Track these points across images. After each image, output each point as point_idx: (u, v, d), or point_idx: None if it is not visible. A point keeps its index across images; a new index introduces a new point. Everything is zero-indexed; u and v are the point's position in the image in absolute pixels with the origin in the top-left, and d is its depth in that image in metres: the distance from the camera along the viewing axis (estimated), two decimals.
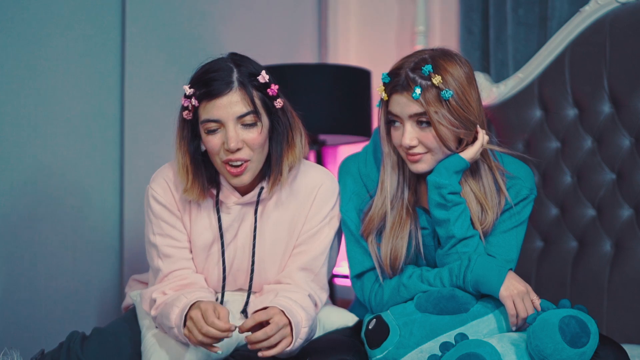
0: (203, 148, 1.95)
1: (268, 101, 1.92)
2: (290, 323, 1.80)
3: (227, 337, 1.77)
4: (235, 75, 1.88)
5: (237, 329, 1.78)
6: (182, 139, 1.94)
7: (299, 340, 1.83)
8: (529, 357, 1.73)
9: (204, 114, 1.88)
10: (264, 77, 1.90)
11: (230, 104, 1.86)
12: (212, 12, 3.01)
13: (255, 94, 1.89)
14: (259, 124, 1.89)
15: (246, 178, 1.92)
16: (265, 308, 1.82)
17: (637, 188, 2.41)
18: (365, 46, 3.33)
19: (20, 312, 2.55)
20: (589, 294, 2.43)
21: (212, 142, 1.89)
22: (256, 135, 1.89)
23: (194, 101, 1.88)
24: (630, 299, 2.36)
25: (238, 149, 1.88)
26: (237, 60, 1.92)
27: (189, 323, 1.79)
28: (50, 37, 2.62)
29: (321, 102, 2.86)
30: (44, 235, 2.61)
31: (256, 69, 1.92)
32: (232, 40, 3.04)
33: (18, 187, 2.55)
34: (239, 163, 1.89)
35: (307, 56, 3.33)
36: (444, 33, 3.09)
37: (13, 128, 2.54)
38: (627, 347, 1.87)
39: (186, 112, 1.91)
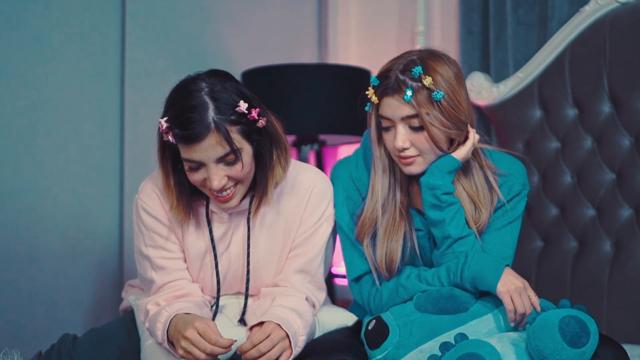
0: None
1: (248, 129, 1.84)
2: (287, 335, 1.81)
3: (229, 351, 1.78)
4: (211, 115, 1.77)
5: (237, 350, 1.79)
6: (164, 158, 1.87)
7: (297, 348, 1.83)
8: (528, 357, 1.73)
9: (183, 153, 1.81)
10: (242, 107, 1.80)
11: (209, 147, 1.78)
12: (213, 12, 3.01)
13: (233, 129, 1.80)
14: (239, 159, 1.82)
15: (234, 202, 1.88)
16: (261, 323, 1.82)
17: (637, 188, 2.41)
18: (365, 46, 3.33)
19: (20, 313, 2.55)
20: (589, 294, 2.43)
21: (195, 177, 1.84)
22: (239, 170, 1.83)
23: (171, 138, 1.80)
24: (630, 299, 2.36)
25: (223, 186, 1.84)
26: (215, 90, 1.81)
27: (184, 343, 1.76)
28: (50, 36, 2.62)
29: (321, 102, 2.86)
30: (43, 236, 2.61)
31: (234, 98, 1.81)
32: (232, 40, 3.04)
33: (17, 187, 2.55)
34: (226, 193, 1.86)
35: (307, 56, 3.33)
36: (444, 33, 3.09)
37: (13, 128, 2.54)
38: (627, 347, 1.86)
39: (165, 135, 1.83)
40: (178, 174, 1.88)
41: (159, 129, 1.84)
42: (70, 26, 2.67)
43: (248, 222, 1.96)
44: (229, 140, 1.78)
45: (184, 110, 1.78)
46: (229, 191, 1.86)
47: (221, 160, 1.81)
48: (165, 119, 1.81)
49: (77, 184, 2.69)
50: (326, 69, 2.99)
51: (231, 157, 1.81)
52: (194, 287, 1.99)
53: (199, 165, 1.82)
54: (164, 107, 1.84)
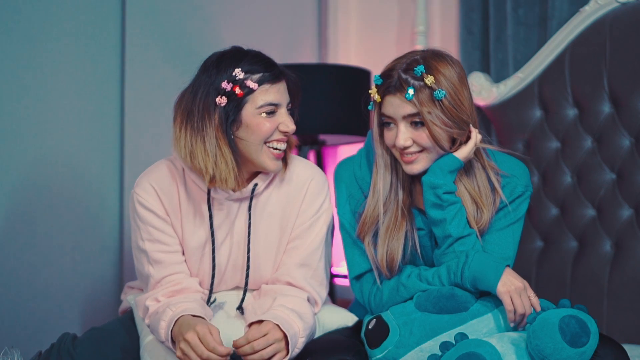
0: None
1: None
2: (285, 336, 1.81)
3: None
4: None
5: (232, 347, 1.80)
6: (215, 129, 1.88)
7: (295, 350, 1.84)
8: (528, 356, 1.73)
9: (264, 98, 1.90)
10: None
11: (285, 91, 1.95)
12: (213, 13, 3.01)
13: None
14: (296, 109, 2.01)
15: (281, 164, 1.97)
16: (260, 322, 1.83)
17: (637, 188, 2.41)
18: (365, 46, 3.33)
19: (21, 312, 2.55)
20: (589, 294, 2.43)
21: (269, 124, 1.91)
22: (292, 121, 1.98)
23: (251, 84, 1.88)
24: (630, 299, 2.36)
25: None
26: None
27: (183, 345, 1.77)
28: (50, 37, 2.62)
29: (321, 102, 2.86)
30: (43, 236, 2.61)
31: None
32: (233, 40, 3.02)
33: (17, 187, 2.55)
34: (284, 146, 1.94)
35: (307, 56, 3.33)
36: (444, 33, 3.09)
37: (13, 128, 2.54)
38: (627, 347, 1.87)
39: (220, 97, 1.88)
40: (232, 139, 1.91)
41: (216, 92, 1.88)
42: (70, 26, 2.67)
43: (249, 210, 1.97)
44: (289, 88, 1.98)
45: (259, 58, 1.94)
46: (284, 145, 1.96)
47: (287, 104, 1.96)
48: (238, 69, 1.89)
49: (77, 184, 2.69)
50: (326, 69, 2.99)
51: (289, 106, 1.97)
52: (192, 282, 1.99)
53: (274, 109, 1.92)
54: (220, 69, 1.91)
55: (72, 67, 2.67)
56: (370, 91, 1.94)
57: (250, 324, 1.85)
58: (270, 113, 1.91)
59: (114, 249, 2.77)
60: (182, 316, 1.84)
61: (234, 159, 1.89)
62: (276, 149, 1.94)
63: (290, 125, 1.93)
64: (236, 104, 1.89)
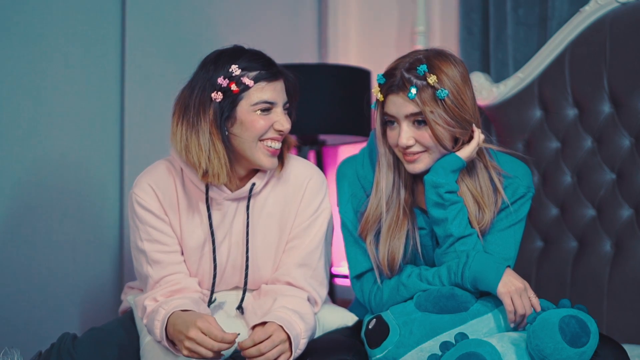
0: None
1: None
2: (289, 337, 1.81)
3: (233, 345, 1.79)
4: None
5: (238, 348, 1.80)
6: (210, 124, 1.89)
7: (297, 351, 1.84)
8: (529, 356, 1.73)
9: (259, 95, 1.90)
10: None
11: (282, 90, 1.95)
12: (212, 12, 3.01)
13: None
14: (293, 110, 2.01)
15: (276, 161, 1.96)
16: (264, 323, 1.83)
17: (637, 188, 2.41)
18: (365, 46, 3.33)
19: (21, 312, 2.55)
20: (589, 294, 2.43)
21: (263, 122, 1.91)
22: (289, 120, 1.97)
23: (247, 81, 1.89)
24: (630, 299, 2.36)
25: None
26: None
27: (189, 344, 1.77)
28: (50, 37, 2.62)
29: (321, 102, 2.86)
30: (43, 236, 2.61)
31: None
32: (232, 40, 3.02)
33: (17, 187, 2.55)
34: (278, 145, 1.94)
35: (307, 56, 3.33)
36: (444, 33, 3.09)
37: (13, 128, 2.54)
38: (627, 347, 1.87)
39: (216, 93, 1.89)
40: (226, 135, 1.92)
41: (211, 88, 1.89)
42: (70, 26, 2.67)
43: (248, 209, 1.97)
44: (287, 89, 1.98)
45: (258, 56, 1.95)
46: (278, 144, 1.96)
47: (285, 105, 1.96)
48: (235, 66, 1.90)
49: (77, 184, 2.69)
50: (326, 69, 2.99)
51: (287, 106, 1.97)
52: (191, 282, 1.99)
53: (269, 107, 1.92)
54: (218, 66, 1.92)
55: (72, 67, 2.67)
56: (373, 90, 1.94)
57: (254, 326, 1.85)
58: (265, 110, 1.91)
59: (114, 248, 2.78)
60: (173, 313, 1.84)
61: (227, 154, 1.90)
62: (271, 146, 1.94)
63: (285, 124, 1.94)
64: (231, 100, 1.89)
